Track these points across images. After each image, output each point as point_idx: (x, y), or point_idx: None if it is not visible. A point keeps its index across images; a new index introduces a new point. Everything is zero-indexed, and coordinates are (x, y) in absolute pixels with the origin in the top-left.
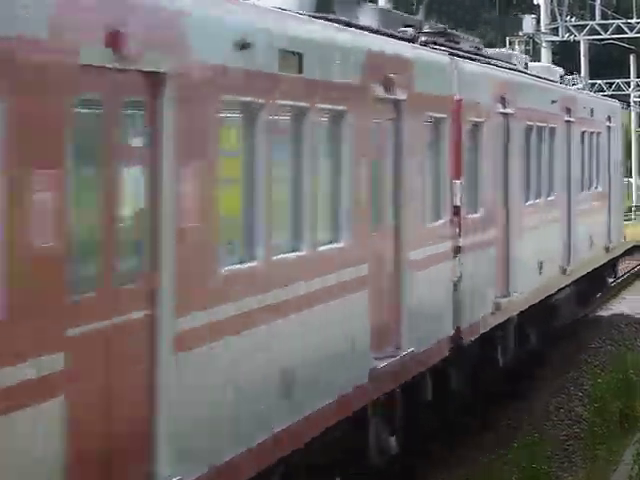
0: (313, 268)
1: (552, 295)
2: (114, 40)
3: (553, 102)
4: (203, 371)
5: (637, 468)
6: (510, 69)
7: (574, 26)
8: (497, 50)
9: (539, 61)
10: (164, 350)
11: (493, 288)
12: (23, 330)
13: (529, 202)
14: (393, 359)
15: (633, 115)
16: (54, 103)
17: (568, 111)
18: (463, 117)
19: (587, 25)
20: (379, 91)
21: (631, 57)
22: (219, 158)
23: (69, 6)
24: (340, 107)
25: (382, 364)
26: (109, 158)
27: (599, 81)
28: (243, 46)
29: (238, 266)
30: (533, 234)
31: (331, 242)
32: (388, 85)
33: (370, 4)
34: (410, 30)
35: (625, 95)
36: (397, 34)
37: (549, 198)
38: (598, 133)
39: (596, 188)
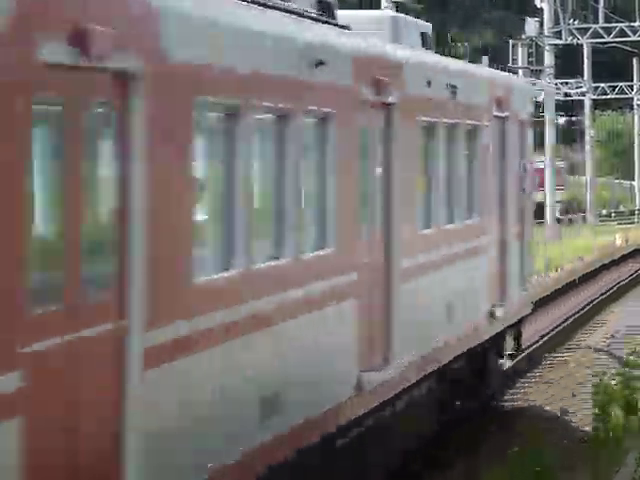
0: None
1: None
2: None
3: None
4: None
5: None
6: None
7: (577, 29)
8: None
9: (542, 64)
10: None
11: None
12: None
13: None
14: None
15: (637, 118)
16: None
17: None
18: None
19: (590, 28)
20: None
21: (634, 60)
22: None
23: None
24: None
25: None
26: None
27: (602, 84)
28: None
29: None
30: None
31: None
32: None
33: None
34: None
35: (628, 98)
36: None
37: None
38: (474, 127)
39: (471, 218)
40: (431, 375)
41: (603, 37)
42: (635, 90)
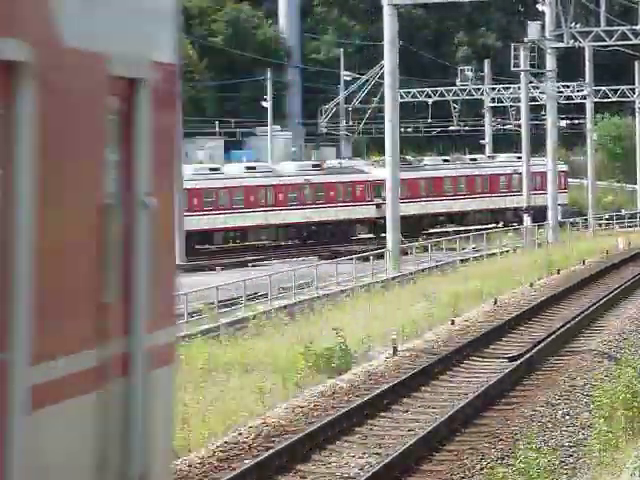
0: None
1: None
2: None
3: None
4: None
5: None
6: None
7: (579, 32)
8: None
9: (543, 67)
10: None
11: None
12: None
13: None
14: None
15: (638, 121)
16: None
17: None
18: None
19: (592, 31)
20: None
21: (636, 63)
22: None
23: None
24: None
25: None
26: None
27: (604, 87)
28: None
29: None
30: None
31: None
32: None
33: None
34: None
35: (630, 102)
36: None
37: None
38: None
39: None
40: None
41: (605, 40)
42: (637, 93)
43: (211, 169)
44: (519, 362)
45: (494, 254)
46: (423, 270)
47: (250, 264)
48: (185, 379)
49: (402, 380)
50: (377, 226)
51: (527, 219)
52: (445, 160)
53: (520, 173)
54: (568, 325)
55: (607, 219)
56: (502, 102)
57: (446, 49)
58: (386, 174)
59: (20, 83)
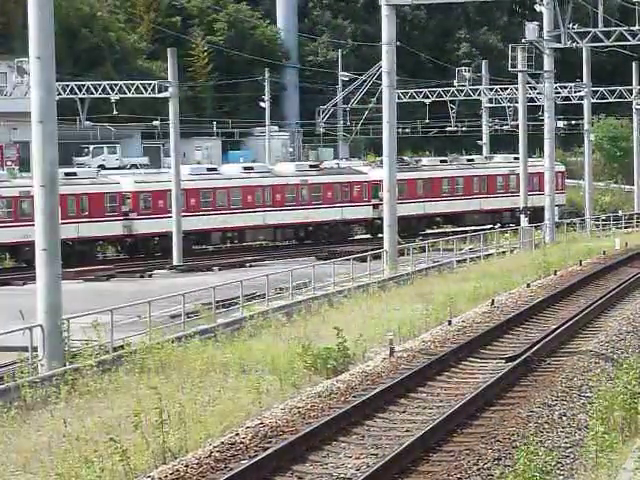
0: None
1: None
2: None
3: None
4: None
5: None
6: None
7: (576, 33)
8: None
9: (541, 68)
10: None
11: None
12: None
13: None
14: None
15: (635, 122)
16: None
17: None
18: None
19: (589, 32)
20: None
21: (633, 64)
22: None
23: None
24: None
25: None
26: None
27: (601, 88)
28: None
29: None
30: None
31: None
32: None
33: None
34: None
35: (627, 102)
36: None
37: None
38: None
39: None
40: None
41: (602, 41)
42: (634, 94)
43: (209, 169)
44: (516, 363)
45: (491, 255)
46: (420, 271)
47: (247, 264)
48: (182, 380)
49: (399, 381)
50: (374, 226)
51: (524, 220)
52: (442, 161)
53: (517, 174)
54: (565, 326)
55: (604, 220)
56: (500, 103)
57: (444, 50)
58: (383, 174)
59: None
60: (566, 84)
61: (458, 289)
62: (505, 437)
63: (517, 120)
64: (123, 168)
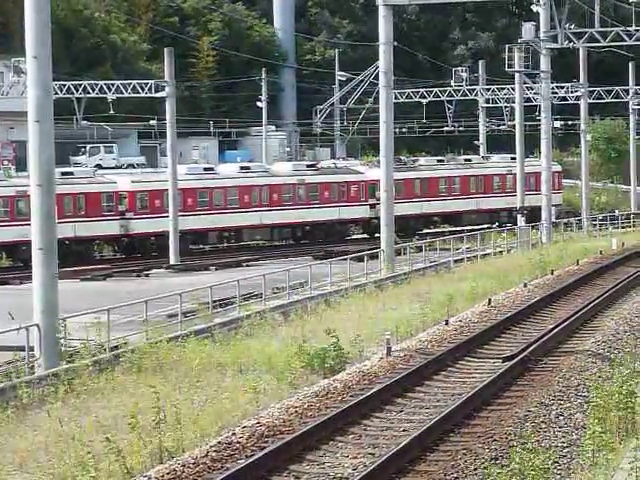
0: None
1: None
2: None
3: None
4: None
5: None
6: None
7: (573, 33)
8: None
9: (538, 68)
10: None
11: None
12: None
13: None
14: None
15: (632, 123)
16: None
17: None
18: None
19: (586, 32)
20: None
21: (630, 65)
22: None
23: None
24: None
25: None
26: None
27: (598, 88)
28: None
29: None
30: None
31: None
32: None
33: None
34: None
35: (624, 103)
36: None
37: None
38: None
39: None
40: None
41: (599, 41)
42: (631, 94)
43: (205, 169)
44: (513, 362)
45: (488, 254)
46: (417, 270)
47: (244, 264)
48: (179, 379)
49: (396, 380)
50: (371, 226)
51: (521, 219)
52: (439, 160)
53: (514, 174)
54: (562, 325)
55: (601, 220)
56: (496, 103)
57: (441, 50)
58: (380, 174)
59: None
60: (563, 84)
61: (455, 289)
62: (502, 437)
63: (514, 120)
64: (120, 168)
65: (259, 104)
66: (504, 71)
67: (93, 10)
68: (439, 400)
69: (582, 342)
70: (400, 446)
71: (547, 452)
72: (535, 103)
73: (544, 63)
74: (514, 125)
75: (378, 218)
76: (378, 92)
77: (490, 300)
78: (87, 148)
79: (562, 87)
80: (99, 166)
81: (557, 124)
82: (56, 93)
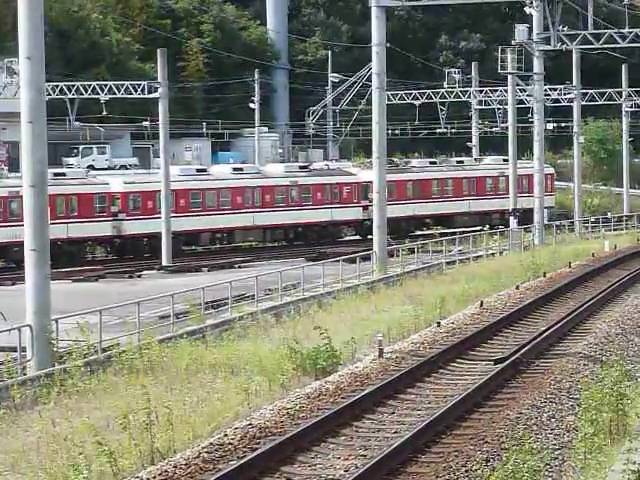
0: None
1: None
2: None
3: None
4: None
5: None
6: None
7: (566, 35)
8: None
9: (531, 70)
10: None
11: None
12: None
13: None
14: None
15: (625, 125)
16: None
17: None
18: None
19: (579, 34)
20: None
21: (623, 67)
22: None
23: None
24: None
25: None
26: None
27: (591, 90)
28: None
29: None
30: None
31: None
32: None
33: None
34: None
35: (617, 105)
36: None
37: None
38: None
39: None
40: None
41: (592, 43)
42: (624, 97)
43: (198, 170)
44: (505, 365)
45: (480, 257)
46: (409, 272)
47: (237, 265)
48: (171, 380)
49: (388, 382)
50: (364, 228)
51: (513, 221)
52: (432, 162)
53: (507, 176)
54: (554, 328)
55: (593, 222)
56: (489, 105)
57: (434, 51)
58: (373, 176)
59: None
60: (556, 86)
61: (447, 291)
62: (494, 438)
63: (507, 122)
64: (112, 169)
65: (252, 105)
66: (497, 73)
67: (87, 11)
68: (431, 402)
69: (574, 344)
70: (392, 448)
71: (539, 454)
72: (528, 105)
73: (537, 65)
74: (507, 127)
75: (371, 220)
76: (371, 94)
77: (482, 302)
78: (80, 149)
79: (555, 89)
80: (92, 167)
81: (550, 126)
82: (49, 94)
